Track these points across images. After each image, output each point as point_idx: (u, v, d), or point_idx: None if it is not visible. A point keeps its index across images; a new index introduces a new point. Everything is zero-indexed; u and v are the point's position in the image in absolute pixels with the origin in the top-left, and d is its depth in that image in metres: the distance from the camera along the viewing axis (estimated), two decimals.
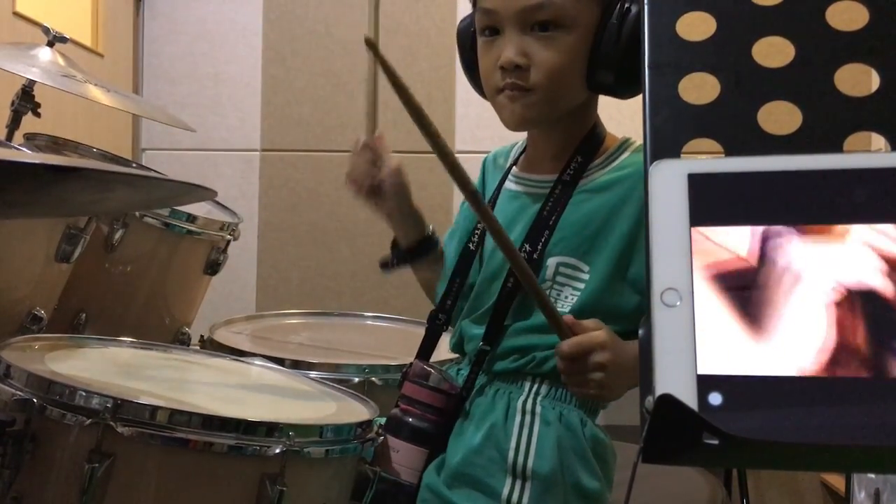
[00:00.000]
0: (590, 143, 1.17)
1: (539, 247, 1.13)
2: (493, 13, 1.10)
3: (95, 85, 1.75)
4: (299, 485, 1.05)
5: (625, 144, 1.18)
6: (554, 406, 1.11)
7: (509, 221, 1.18)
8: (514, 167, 1.26)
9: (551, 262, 1.13)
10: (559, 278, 1.13)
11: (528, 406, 1.11)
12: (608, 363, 1.01)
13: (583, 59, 1.10)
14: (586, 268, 1.12)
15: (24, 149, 1.56)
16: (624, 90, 1.13)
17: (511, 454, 1.09)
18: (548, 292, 1.11)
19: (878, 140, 0.49)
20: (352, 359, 1.62)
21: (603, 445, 1.14)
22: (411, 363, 1.19)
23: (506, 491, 1.09)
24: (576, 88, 1.13)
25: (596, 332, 1.02)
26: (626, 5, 1.09)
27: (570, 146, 1.17)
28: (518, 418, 1.11)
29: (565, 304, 1.12)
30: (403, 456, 1.15)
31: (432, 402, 1.15)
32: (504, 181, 1.25)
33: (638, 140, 1.18)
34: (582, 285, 1.12)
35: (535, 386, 1.12)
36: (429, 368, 1.17)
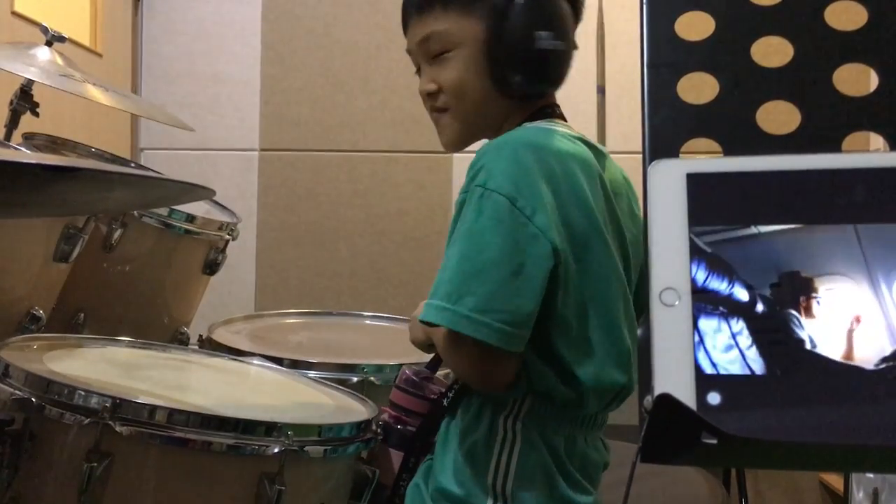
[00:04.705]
0: None
1: None
2: (409, 53, 1.20)
3: (94, 84, 1.75)
4: (298, 484, 1.05)
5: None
6: (537, 425, 1.08)
7: None
8: None
9: None
10: None
11: (510, 424, 1.08)
12: None
13: (483, 69, 1.13)
14: None
15: (23, 148, 1.56)
16: (535, 86, 1.14)
17: (490, 476, 1.07)
18: None
19: (877, 139, 0.49)
20: (350, 358, 1.62)
21: (592, 464, 1.12)
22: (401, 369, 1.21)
23: None
24: (487, 98, 1.14)
25: None
26: (506, 10, 1.10)
27: None
28: (500, 435, 1.08)
29: None
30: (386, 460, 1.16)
31: (418, 409, 1.17)
32: None
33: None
34: None
35: (518, 403, 1.09)
36: (414, 377, 1.18)
